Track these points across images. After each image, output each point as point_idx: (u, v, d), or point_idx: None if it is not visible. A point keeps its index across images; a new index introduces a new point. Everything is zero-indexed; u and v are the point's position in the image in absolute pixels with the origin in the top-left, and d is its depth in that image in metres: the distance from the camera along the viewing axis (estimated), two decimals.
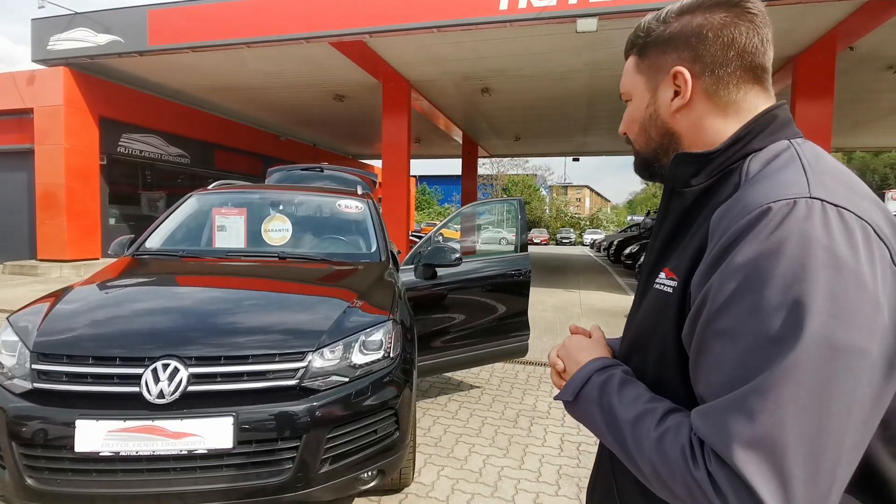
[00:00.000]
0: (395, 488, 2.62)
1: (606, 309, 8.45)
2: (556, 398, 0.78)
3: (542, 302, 8.85)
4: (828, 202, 0.55)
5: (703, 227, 0.64)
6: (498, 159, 37.77)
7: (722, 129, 0.70)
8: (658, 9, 0.75)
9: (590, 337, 0.86)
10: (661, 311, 0.67)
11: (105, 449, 1.73)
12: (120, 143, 12.14)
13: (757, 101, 0.70)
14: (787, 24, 7.71)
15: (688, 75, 0.70)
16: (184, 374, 1.82)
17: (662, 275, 0.69)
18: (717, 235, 0.60)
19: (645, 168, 0.81)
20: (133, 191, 13.33)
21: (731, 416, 0.53)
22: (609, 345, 0.85)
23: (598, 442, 0.83)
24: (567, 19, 7.56)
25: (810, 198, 0.55)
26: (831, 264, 0.52)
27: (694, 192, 0.70)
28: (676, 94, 0.72)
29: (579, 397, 0.73)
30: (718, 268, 0.57)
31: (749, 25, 0.67)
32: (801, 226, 0.53)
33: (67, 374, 1.86)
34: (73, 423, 1.73)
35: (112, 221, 12.38)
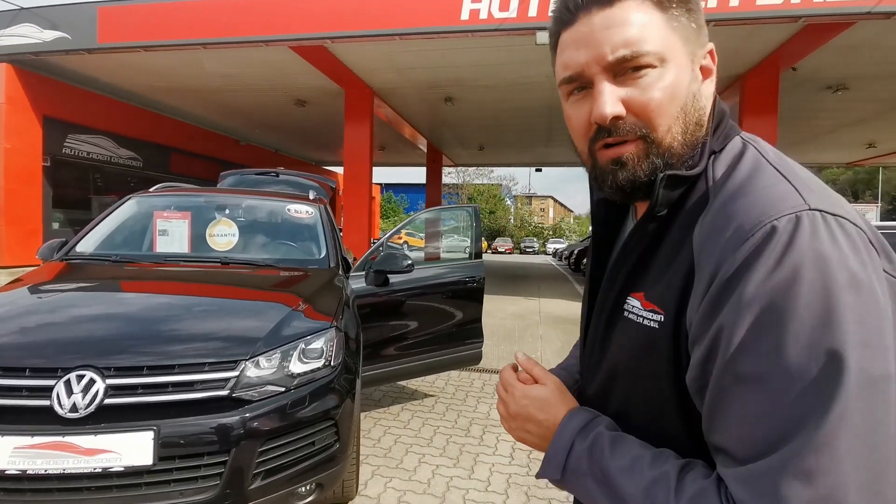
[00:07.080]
0: (339, 502, 2.53)
1: (565, 317, 8.54)
2: (538, 477, 0.66)
3: (503, 310, 8.89)
4: (826, 212, 0.49)
5: (682, 251, 0.56)
6: (463, 168, 38.03)
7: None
8: None
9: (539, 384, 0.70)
10: (647, 347, 0.59)
11: (11, 467, 1.59)
12: (66, 143, 11.56)
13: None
14: (735, 43, 8.04)
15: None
16: (100, 385, 1.69)
17: (636, 303, 0.61)
18: (710, 262, 0.52)
19: (661, 177, 0.60)
20: (80, 194, 12.68)
21: (785, 481, 0.45)
22: (563, 373, 0.78)
23: None
24: (527, 31, 7.66)
25: (810, 210, 0.49)
26: (851, 285, 0.46)
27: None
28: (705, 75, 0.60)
29: (566, 470, 0.62)
30: (727, 302, 0.49)
31: None
32: (812, 244, 0.47)
33: None
34: None
35: (56, 226, 11.73)
